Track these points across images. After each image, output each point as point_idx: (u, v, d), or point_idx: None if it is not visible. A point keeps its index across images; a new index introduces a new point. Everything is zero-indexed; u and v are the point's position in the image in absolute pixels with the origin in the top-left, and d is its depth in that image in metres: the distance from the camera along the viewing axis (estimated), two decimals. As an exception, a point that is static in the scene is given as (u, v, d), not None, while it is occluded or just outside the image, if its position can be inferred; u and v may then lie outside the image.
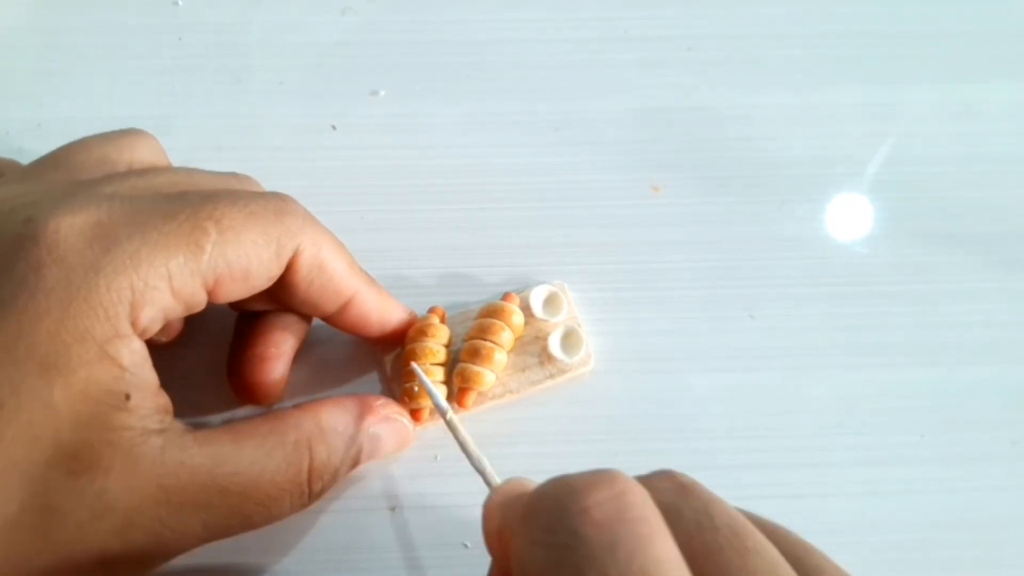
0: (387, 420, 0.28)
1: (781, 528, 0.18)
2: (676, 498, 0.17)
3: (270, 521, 0.25)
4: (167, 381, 0.24)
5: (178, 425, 0.23)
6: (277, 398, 0.29)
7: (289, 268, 0.25)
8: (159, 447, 0.22)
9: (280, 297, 0.27)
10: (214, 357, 0.30)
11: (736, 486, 0.29)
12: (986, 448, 0.30)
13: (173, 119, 0.36)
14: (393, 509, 0.29)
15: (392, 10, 0.39)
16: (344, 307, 0.28)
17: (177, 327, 0.29)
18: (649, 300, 0.33)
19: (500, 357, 0.29)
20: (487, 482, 0.24)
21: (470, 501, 0.29)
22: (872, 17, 0.39)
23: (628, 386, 0.31)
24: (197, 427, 0.24)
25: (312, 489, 0.25)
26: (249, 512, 0.24)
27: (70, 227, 0.22)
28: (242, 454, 0.24)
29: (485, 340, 0.29)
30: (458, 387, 0.29)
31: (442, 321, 0.30)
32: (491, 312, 0.30)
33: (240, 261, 0.24)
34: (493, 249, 0.33)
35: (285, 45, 0.38)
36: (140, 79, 0.37)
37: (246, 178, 0.28)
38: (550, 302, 0.31)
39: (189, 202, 0.24)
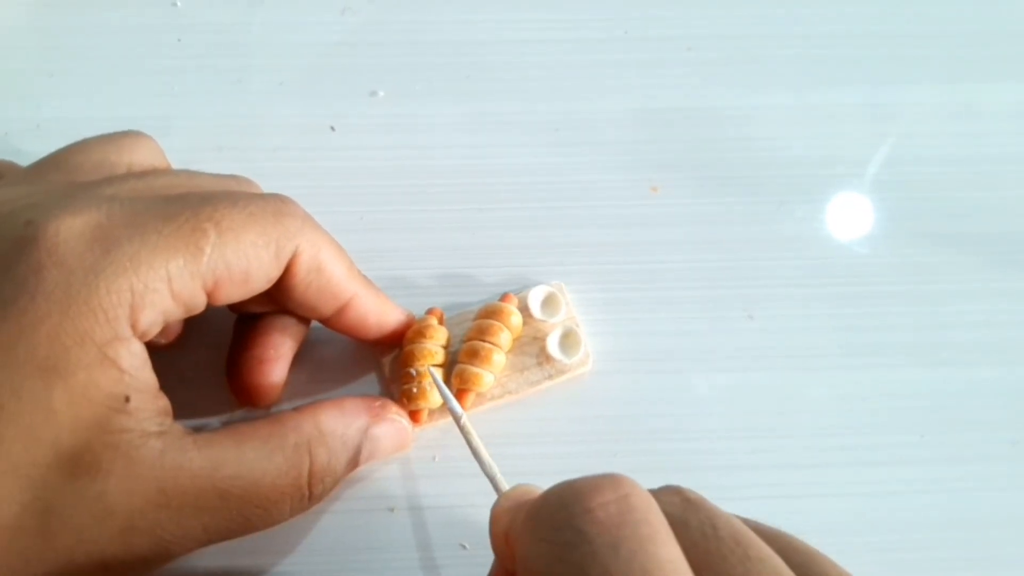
0: (387, 421, 0.28)
1: (787, 536, 0.18)
2: (682, 510, 0.18)
3: (270, 524, 0.25)
4: (167, 383, 0.24)
5: (178, 428, 0.23)
6: (275, 400, 0.29)
7: (287, 270, 0.25)
8: (159, 450, 0.22)
9: (278, 299, 0.27)
10: (213, 359, 0.30)
11: (736, 486, 0.29)
12: (986, 448, 0.30)
13: (173, 119, 0.36)
14: (392, 510, 0.29)
15: (392, 10, 0.39)
16: (342, 310, 0.27)
17: (176, 329, 0.29)
18: (649, 300, 0.33)
19: (499, 358, 0.29)
20: (496, 487, 0.24)
21: (469, 502, 0.29)
22: (872, 17, 0.39)
23: (628, 386, 0.31)
24: (197, 429, 0.24)
25: (312, 492, 0.25)
26: (249, 515, 0.24)
27: (70, 229, 0.22)
28: (242, 457, 0.24)
29: (484, 341, 0.29)
30: (457, 388, 0.29)
31: (440, 322, 0.30)
32: (489, 313, 0.30)
33: (239, 263, 0.24)
34: (492, 249, 0.33)
35: (285, 45, 0.38)
36: (140, 79, 0.37)
37: (245, 180, 0.28)
38: (548, 302, 0.31)
39: (188, 204, 0.24)
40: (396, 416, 0.28)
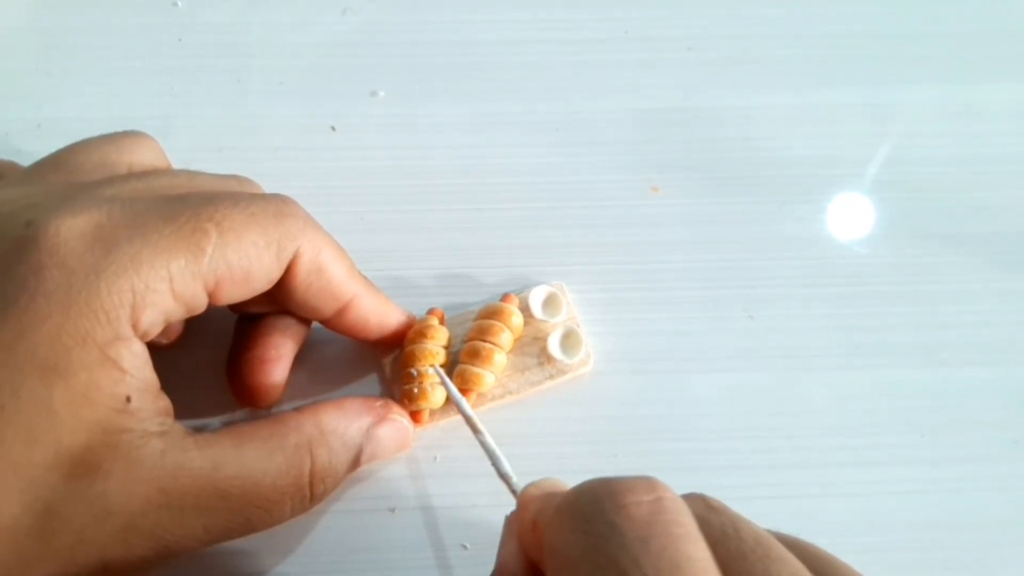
0: (388, 422, 0.28)
1: (804, 542, 0.18)
2: (705, 512, 0.18)
3: (271, 524, 0.25)
4: (168, 383, 0.24)
5: (179, 428, 0.23)
6: (276, 401, 0.29)
7: (288, 270, 0.25)
8: (160, 450, 0.22)
9: (279, 300, 0.27)
10: (214, 359, 0.30)
11: (736, 486, 0.29)
12: (986, 448, 0.30)
13: (173, 119, 0.36)
14: (393, 510, 0.29)
15: (392, 10, 0.39)
16: (342, 310, 0.27)
17: (178, 329, 0.29)
18: (649, 300, 0.33)
19: (500, 358, 0.29)
20: (511, 489, 0.25)
21: (470, 502, 0.29)
22: (872, 17, 0.39)
23: (628, 386, 0.31)
24: (198, 430, 0.24)
25: (313, 492, 0.25)
26: (250, 515, 0.24)
27: (70, 230, 0.22)
28: (243, 457, 0.24)
29: (485, 341, 0.29)
30: (458, 388, 0.29)
31: (441, 323, 0.30)
32: (490, 313, 0.30)
33: (241, 263, 0.24)
34: (493, 249, 0.33)
35: (285, 45, 0.38)
36: (140, 80, 0.37)
37: (247, 181, 0.28)
38: (549, 303, 0.31)
39: (190, 204, 0.24)
40: (397, 416, 0.28)
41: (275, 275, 0.25)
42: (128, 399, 0.22)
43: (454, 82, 0.37)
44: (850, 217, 0.35)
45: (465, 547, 0.28)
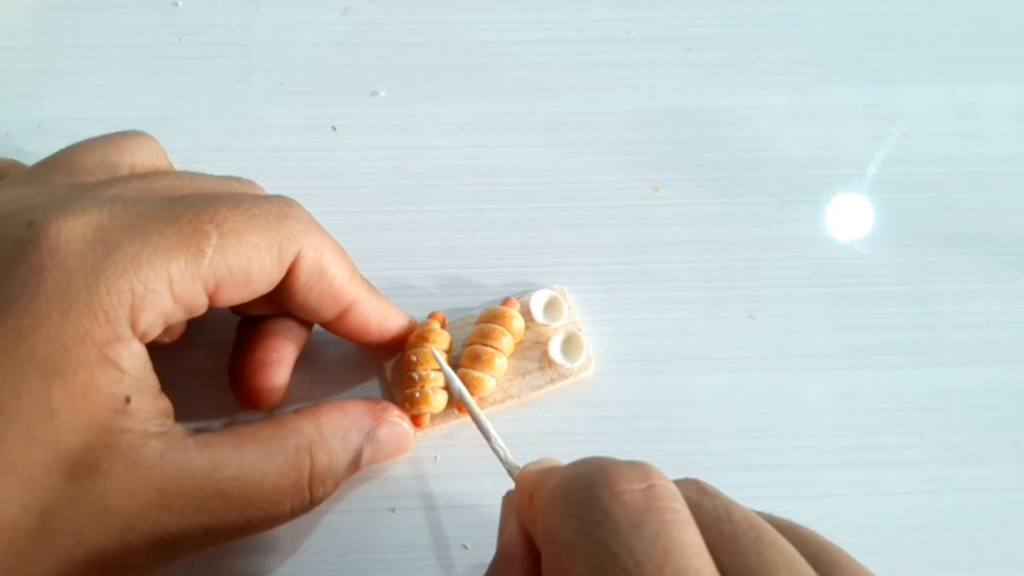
0: (388, 424, 0.28)
1: (797, 525, 0.19)
2: (698, 496, 0.18)
3: (271, 526, 0.25)
4: (168, 383, 0.24)
5: (179, 429, 0.23)
6: (278, 403, 0.29)
7: (289, 273, 0.25)
8: (159, 451, 0.22)
9: (280, 302, 0.27)
10: (215, 360, 0.30)
11: (736, 486, 0.29)
12: (986, 448, 0.30)
13: (173, 120, 0.36)
14: (393, 510, 0.29)
15: (392, 11, 0.39)
16: (343, 314, 0.27)
17: (180, 329, 0.29)
18: (649, 300, 0.33)
19: (501, 363, 0.29)
20: (509, 471, 0.25)
21: (470, 502, 0.29)
22: (872, 18, 0.39)
23: (629, 387, 0.31)
24: (198, 431, 0.24)
25: (313, 494, 0.25)
26: (250, 516, 0.24)
27: (72, 231, 0.22)
28: (243, 458, 0.24)
29: (486, 345, 0.29)
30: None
31: (443, 327, 0.30)
32: (492, 317, 0.30)
33: (241, 265, 0.24)
34: (493, 250, 0.33)
35: (285, 46, 0.38)
36: (140, 80, 0.37)
37: (248, 182, 0.28)
38: (551, 307, 0.31)
39: (191, 205, 0.24)
40: (398, 419, 0.28)
41: (276, 277, 0.25)
42: (127, 400, 0.22)
43: (455, 82, 0.37)
44: (850, 217, 0.35)
45: (465, 547, 0.28)
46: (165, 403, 0.23)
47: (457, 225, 0.34)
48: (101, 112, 0.36)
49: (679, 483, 0.19)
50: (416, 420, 0.29)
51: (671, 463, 0.29)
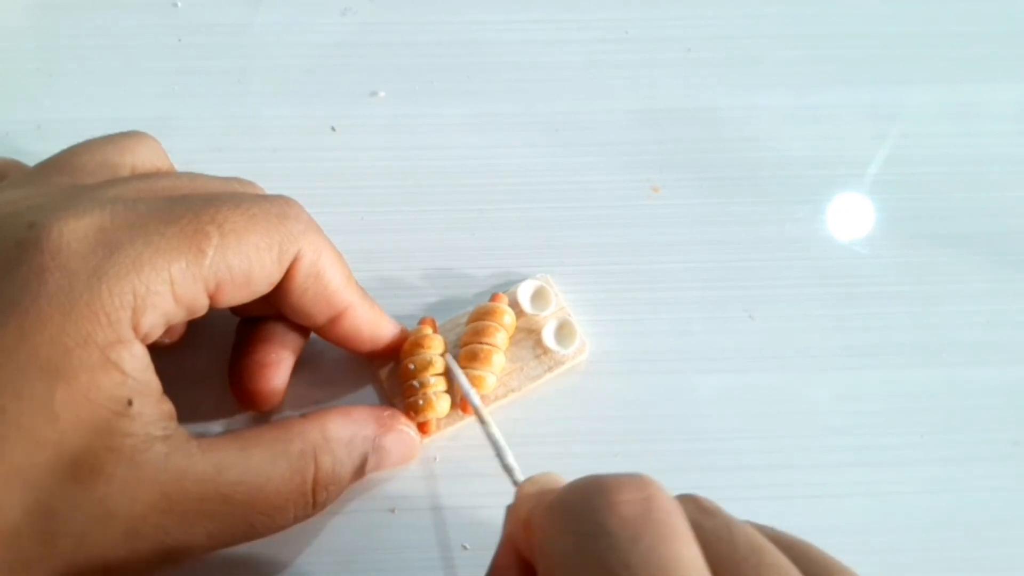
0: (394, 432, 0.28)
1: (803, 544, 0.18)
2: (698, 515, 0.18)
3: (274, 531, 0.25)
4: (169, 384, 0.24)
5: (182, 431, 0.23)
6: (277, 405, 0.29)
7: (287, 274, 0.25)
8: (163, 454, 0.22)
9: (274, 303, 0.27)
10: (215, 360, 0.30)
11: (736, 486, 0.29)
12: (986, 448, 0.30)
13: (173, 120, 0.36)
14: (393, 511, 0.29)
15: (392, 11, 0.39)
16: (336, 319, 0.27)
17: (180, 329, 0.29)
18: (649, 300, 0.33)
19: (498, 358, 0.29)
20: (513, 481, 0.25)
21: (470, 503, 0.29)
22: (872, 18, 0.39)
23: (628, 387, 0.31)
24: (199, 434, 0.24)
25: (316, 499, 0.25)
26: (253, 521, 0.24)
27: (73, 232, 0.22)
28: (247, 463, 0.24)
29: (482, 343, 0.29)
30: (461, 393, 0.29)
31: (434, 331, 0.30)
32: (482, 315, 0.30)
33: (242, 265, 0.24)
34: (493, 250, 0.33)
35: (285, 46, 0.38)
36: (140, 80, 0.37)
37: (248, 183, 0.28)
38: (538, 296, 0.31)
39: (191, 206, 0.23)
40: (404, 427, 0.28)
41: (275, 277, 0.25)
42: (130, 402, 0.22)
43: (454, 82, 0.37)
44: (850, 217, 0.35)
45: (465, 547, 0.28)
46: (168, 406, 0.23)
47: (457, 225, 0.34)
48: (101, 112, 0.36)
49: (679, 499, 0.19)
50: (423, 427, 0.29)
51: (671, 463, 0.30)
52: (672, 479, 0.19)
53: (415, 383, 0.28)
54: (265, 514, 0.24)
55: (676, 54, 0.38)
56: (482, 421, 0.27)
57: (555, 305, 0.31)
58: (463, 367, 0.29)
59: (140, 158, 0.27)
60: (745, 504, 0.19)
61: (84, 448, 0.21)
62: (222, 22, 0.38)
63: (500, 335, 0.29)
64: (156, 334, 0.23)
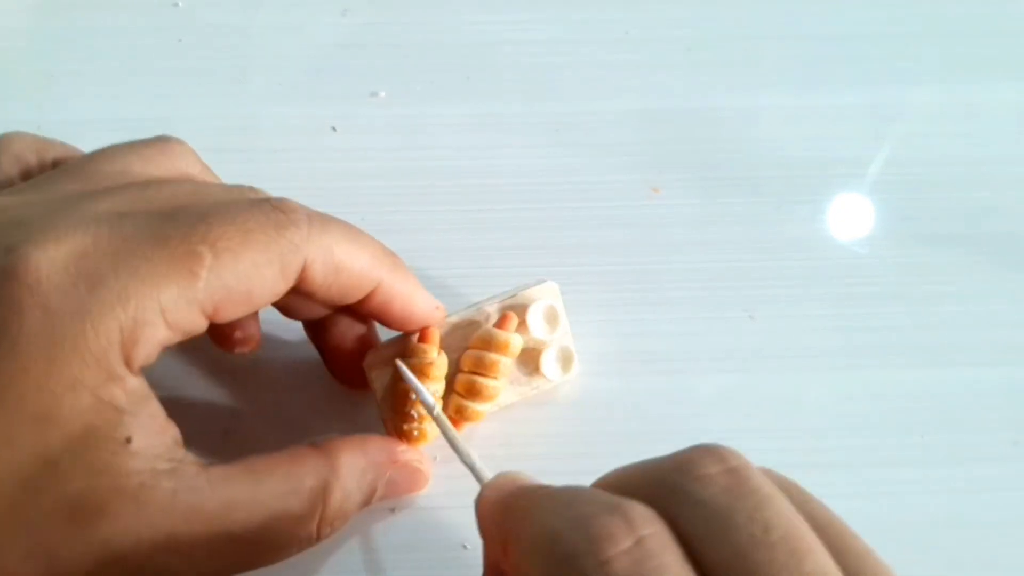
0: (406, 467, 0.27)
1: (839, 524, 0.17)
2: (727, 498, 0.17)
3: (275, 562, 0.24)
4: (172, 385, 0.23)
5: (190, 460, 0.22)
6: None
7: (303, 280, 0.24)
8: (170, 491, 0.21)
9: (302, 294, 0.25)
10: (215, 361, 0.30)
11: (736, 486, 0.29)
12: (986, 448, 0.30)
13: (173, 120, 0.36)
14: (393, 510, 0.29)
15: (392, 11, 0.39)
16: (365, 297, 0.26)
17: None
18: (649, 301, 0.33)
19: (497, 389, 0.28)
20: (477, 477, 0.24)
21: (470, 502, 0.29)
22: (872, 18, 0.39)
23: (628, 387, 0.31)
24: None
25: (321, 534, 0.25)
26: (257, 557, 0.23)
27: (52, 263, 0.20)
28: (256, 498, 0.23)
29: (485, 377, 0.28)
30: (451, 418, 0.28)
31: (439, 350, 0.28)
32: (488, 343, 0.28)
33: (240, 284, 0.22)
34: (493, 251, 0.33)
35: (285, 46, 0.38)
36: (140, 80, 0.37)
37: (250, 190, 0.26)
38: (547, 317, 0.30)
39: (180, 224, 0.22)
40: (416, 462, 0.27)
41: (281, 289, 0.24)
42: (128, 440, 0.21)
43: (454, 82, 0.37)
44: (850, 217, 0.35)
45: (465, 547, 0.28)
46: (172, 431, 0.22)
47: (457, 225, 0.34)
48: (101, 113, 0.36)
49: (699, 455, 0.18)
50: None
51: (671, 463, 0.30)
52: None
53: (414, 412, 0.27)
54: (271, 550, 0.23)
55: (676, 54, 0.38)
56: (442, 428, 0.26)
57: (562, 328, 0.30)
58: (461, 396, 0.28)
59: (162, 169, 0.26)
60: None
61: (85, 490, 0.20)
62: (222, 22, 0.38)
63: (504, 363, 0.28)
64: (153, 359, 0.22)
